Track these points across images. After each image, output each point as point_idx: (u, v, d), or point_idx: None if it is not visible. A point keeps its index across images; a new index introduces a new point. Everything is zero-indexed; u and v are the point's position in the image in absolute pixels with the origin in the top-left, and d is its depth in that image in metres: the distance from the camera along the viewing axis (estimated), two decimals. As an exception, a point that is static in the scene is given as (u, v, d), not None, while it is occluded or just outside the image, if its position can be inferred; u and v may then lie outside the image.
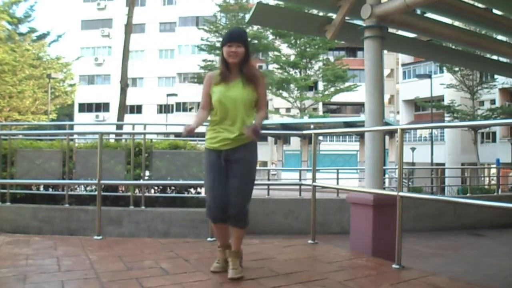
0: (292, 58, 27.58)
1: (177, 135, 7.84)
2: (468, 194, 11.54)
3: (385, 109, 14.87)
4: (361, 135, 17.85)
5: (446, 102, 24.72)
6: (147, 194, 6.25)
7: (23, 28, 27.45)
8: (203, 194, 6.57)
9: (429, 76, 22.54)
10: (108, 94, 37.24)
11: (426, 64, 29.29)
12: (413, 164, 25.68)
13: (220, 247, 2.87)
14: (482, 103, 25.94)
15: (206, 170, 2.79)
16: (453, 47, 6.94)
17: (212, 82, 2.77)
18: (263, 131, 2.85)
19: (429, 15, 6.71)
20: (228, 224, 2.76)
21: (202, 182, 5.94)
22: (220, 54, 2.80)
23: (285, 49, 28.50)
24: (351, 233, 3.92)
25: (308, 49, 27.00)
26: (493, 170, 23.33)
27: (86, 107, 39.93)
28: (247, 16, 5.80)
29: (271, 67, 31.15)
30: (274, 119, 28.88)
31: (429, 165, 22.13)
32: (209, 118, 2.84)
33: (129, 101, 15.31)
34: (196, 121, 2.71)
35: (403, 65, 33.13)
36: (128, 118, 26.02)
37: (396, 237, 3.07)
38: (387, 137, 17.95)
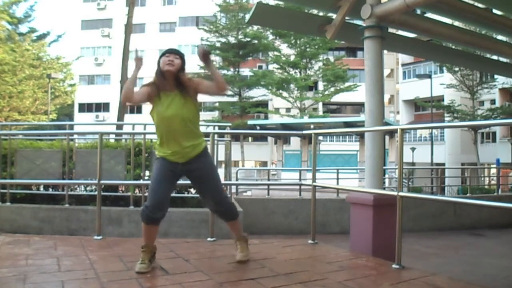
0: (292, 58, 27.57)
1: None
2: (468, 194, 11.54)
3: (385, 109, 14.89)
4: (361, 135, 17.85)
5: (446, 102, 24.71)
6: (147, 194, 6.24)
7: (23, 28, 27.50)
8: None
9: (429, 76, 22.54)
10: (108, 94, 37.22)
11: (426, 64, 29.29)
12: (413, 164, 25.67)
13: (145, 248, 2.85)
14: (482, 103, 25.94)
15: (155, 173, 2.87)
16: (453, 47, 6.94)
17: (150, 88, 2.81)
18: (263, 131, 2.93)
19: (429, 15, 6.71)
20: (158, 227, 2.89)
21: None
22: (156, 68, 2.84)
23: (285, 49, 28.49)
24: (351, 233, 3.93)
25: (308, 49, 27.00)
26: (493, 170, 23.34)
27: (86, 107, 39.90)
28: (247, 16, 5.80)
29: (271, 67, 31.15)
30: (274, 119, 28.91)
31: (429, 165, 22.14)
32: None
33: (129, 101, 15.31)
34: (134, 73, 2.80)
35: (403, 65, 33.13)
36: (128, 118, 26.01)
37: (396, 237, 3.06)
38: (387, 137, 17.97)
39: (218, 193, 3.00)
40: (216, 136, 4.41)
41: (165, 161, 2.87)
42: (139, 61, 2.82)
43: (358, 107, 34.01)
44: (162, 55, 2.83)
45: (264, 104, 32.07)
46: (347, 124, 17.71)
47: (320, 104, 32.00)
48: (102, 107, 39.40)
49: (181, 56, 2.86)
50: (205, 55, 2.79)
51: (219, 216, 3.14)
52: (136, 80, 2.84)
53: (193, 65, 32.81)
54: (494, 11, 5.70)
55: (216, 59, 30.70)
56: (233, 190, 7.67)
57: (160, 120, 2.80)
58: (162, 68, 2.79)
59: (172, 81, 2.80)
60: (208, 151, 3.08)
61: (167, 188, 2.86)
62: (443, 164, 26.73)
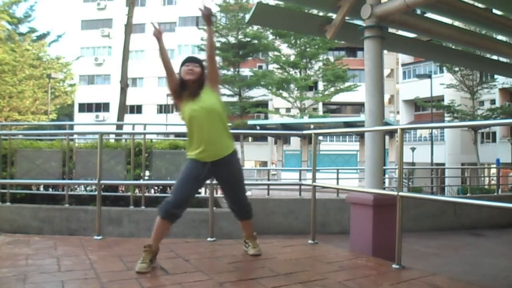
0: (292, 58, 27.57)
1: (177, 135, 7.84)
2: (468, 194, 11.54)
3: (385, 109, 14.89)
4: (361, 135, 17.85)
5: (446, 102, 24.71)
6: (147, 194, 6.25)
7: (23, 28, 27.49)
8: (203, 194, 6.57)
9: (429, 76, 22.54)
10: (108, 94, 37.22)
11: (426, 64, 29.29)
12: (413, 164, 25.68)
13: (147, 248, 2.82)
14: (482, 103, 25.94)
15: (184, 173, 2.95)
16: (453, 47, 6.94)
17: (179, 94, 2.96)
18: (263, 131, 3.02)
19: (429, 15, 6.71)
20: (170, 226, 2.97)
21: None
22: (178, 76, 2.99)
23: (285, 49, 28.49)
24: (351, 233, 3.92)
25: (308, 49, 26.99)
26: (493, 170, 23.34)
27: (86, 107, 39.90)
28: (247, 16, 5.80)
29: (271, 67, 31.14)
30: (274, 119, 28.90)
31: (429, 165, 22.13)
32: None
33: (129, 101, 15.31)
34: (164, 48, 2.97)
35: (403, 65, 33.13)
36: (128, 118, 26.02)
37: (396, 237, 3.06)
38: (387, 137, 17.96)
39: (241, 194, 3.16)
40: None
41: (194, 162, 2.95)
42: (158, 33, 2.98)
43: (358, 107, 34.01)
44: (182, 64, 2.96)
45: (264, 104, 32.07)
46: (347, 124, 17.71)
47: (320, 104, 32.00)
48: (102, 107, 39.40)
49: (200, 64, 2.98)
50: (208, 16, 2.93)
51: (236, 214, 3.25)
52: (165, 48, 3.00)
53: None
54: (494, 11, 5.70)
55: (216, 59, 30.66)
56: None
57: (191, 115, 2.89)
58: (184, 77, 2.93)
59: (194, 88, 2.92)
60: (237, 155, 3.17)
61: (192, 187, 2.97)
62: (443, 164, 26.73)
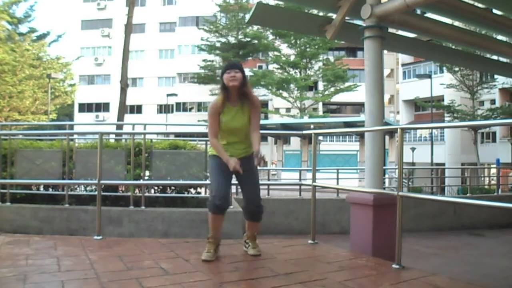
0: (292, 58, 27.58)
1: (177, 135, 7.83)
2: (468, 194, 11.54)
3: (385, 109, 14.89)
4: (361, 135, 17.84)
5: (446, 102, 24.71)
6: (147, 194, 6.24)
7: (23, 28, 27.50)
8: (203, 194, 6.57)
9: (429, 76, 22.54)
10: (108, 94, 37.23)
11: (426, 64, 29.29)
12: (413, 164, 25.67)
13: (211, 239, 3.18)
14: (482, 103, 25.93)
15: (215, 169, 3.22)
16: (453, 47, 6.94)
17: (219, 111, 3.17)
18: (263, 131, 3.14)
19: (429, 15, 6.71)
20: (223, 217, 3.19)
21: (202, 182, 5.98)
22: (220, 84, 3.20)
23: (285, 49, 28.50)
24: (351, 233, 3.92)
25: (308, 49, 27.00)
26: (493, 170, 23.34)
27: (86, 107, 39.92)
28: (247, 16, 5.80)
29: (271, 67, 31.15)
30: (274, 119, 28.90)
31: (429, 165, 22.13)
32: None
33: (129, 101, 15.32)
34: (224, 153, 3.15)
35: (403, 65, 33.13)
36: (128, 118, 26.04)
37: (396, 237, 3.07)
38: (387, 137, 17.95)
39: (257, 190, 3.30)
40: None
41: (221, 159, 3.16)
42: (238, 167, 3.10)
43: (358, 107, 34.02)
44: (224, 72, 3.15)
45: (264, 104, 32.07)
46: (347, 124, 17.70)
47: (320, 104, 32.01)
48: (102, 107, 39.43)
49: (241, 69, 3.16)
50: (262, 161, 3.22)
51: (247, 214, 3.33)
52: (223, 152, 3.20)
53: (193, 65, 32.95)
54: (494, 11, 5.69)
55: (216, 59, 30.73)
56: (233, 190, 7.65)
57: (226, 129, 3.19)
58: (227, 84, 3.11)
59: (236, 94, 3.14)
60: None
61: (229, 181, 3.20)
62: (443, 164, 26.73)
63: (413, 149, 26.46)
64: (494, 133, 27.26)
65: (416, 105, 30.72)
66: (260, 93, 30.26)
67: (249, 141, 3.23)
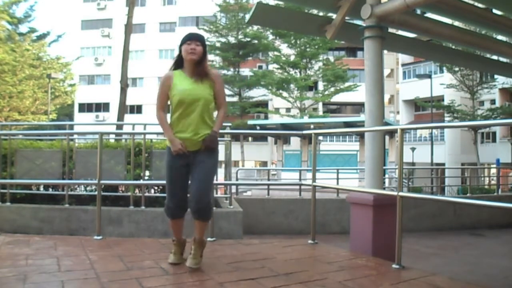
0: (292, 58, 27.56)
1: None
2: (468, 194, 11.54)
3: (385, 109, 14.89)
4: (361, 135, 17.85)
5: (446, 102, 24.71)
6: (147, 194, 6.24)
7: (23, 28, 27.48)
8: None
9: (429, 76, 22.54)
10: (108, 94, 37.21)
11: (426, 64, 29.29)
12: (413, 164, 25.67)
13: (175, 241, 3.03)
14: (482, 103, 25.93)
15: (168, 167, 2.93)
16: (453, 47, 6.94)
17: (170, 82, 2.84)
18: (263, 131, 3.00)
19: (429, 15, 6.71)
20: (183, 219, 3.02)
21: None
22: (178, 55, 2.90)
23: (285, 49, 28.48)
24: (351, 233, 3.92)
25: (308, 49, 26.99)
26: (493, 170, 23.34)
27: (86, 107, 39.90)
28: (247, 16, 5.80)
29: (271, 67, 31.14)
30: (274, 119, 28.90)
31: (429, 165, 22.13)
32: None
33: (129, 101, 15.30)
34: (169, 129, 2.88)
35: (403, 65, 33.12)
36: (128, 118, 26.00)
37: (396, 237, 3.07)
38: (387, 137, 17.96)
39: (202, 185, 2.79)
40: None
41: (178, 155, 2.84)
42: (183, 148, 2.85)
43: (358, 107, 34.01)
44: (183, 42, 2.84)
45: (264, 104, 32.07)
46: (347, 124, 17.70)
47: (320, 104, 32.00)
48: (102, 107, 39.40)
49: (202, 42, 2.86)
50: (213, 144, 2.90)
51: (195, 213, 2.85)
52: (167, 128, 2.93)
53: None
54: (494, 11, 5.70)
55: (216, 59, 30.71)
56: (233, 190, 7.67)
57: (181, 98, 2.78)
58: (185, 57, 2.82)
59: (192, 70, 2.84)
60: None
61: (185, 180, 2.89)
62: (443, 164, 26.73)
63: (413, 149, 26.45)
64: (494, 133, 27.26)
65: (416, 105, 30.73)
66: (260, 93, 30.29)
67: (206, 126, 2.84)
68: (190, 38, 2.85)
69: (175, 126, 2.87)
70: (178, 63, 2.91)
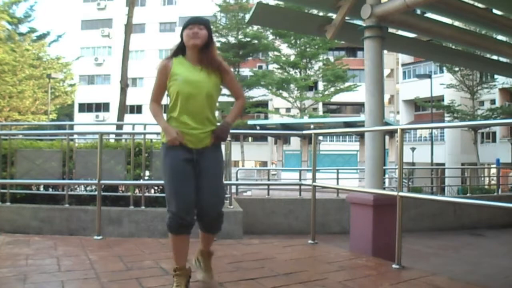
0: (292, 58, 27.58)
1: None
2: (468, 194, 11.53)
3: (385, 109, 14.88)
4: (361, 135, 17.85)
5: (446, 102, 24.72)
6: (147, 194, 6.24)
7: (23, 28, 27.47)
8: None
9: (429, 76, 22.54)
10: (108, 94, 37.22)
11: (426, 64, 29.30)
12: (413, 164, 25.67)
13: (179, 271, 2.34)
14: (482, 103, 25.94)
15: (169, 169, 2.37)
16: (453, 47, 6.94)
17: (168, 71, 2.39)
18: (263, 131, 2.82)
19: (429, 15, 6.71)
20: (189, 237, 2.39)
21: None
22: (179, 42, 2.47)
23: (285, 49, 28.49)
24: (351, 233, 3.92)
25: (308, 49, 27.00)
26: (493, 170, 23.33)
27: (86, 107, 39.92)
28: (247, 16, 5.80)
29: (271, 67, 31.15)
30: (274, 119, 28.90)
31: (429, 165, 22.13)
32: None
33: (129, 101, 15.30)
34: (164, 119, 2.45)
35: (403, 65, 33.13)
36: (128, 118, 25.98)
37: (396, 237, 3.06)
38: (387, 137, 17.96)
39: (214, 192, 2.40)
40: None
41: (178, 149, 2.35)
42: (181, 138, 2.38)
43: (358, 107, 34.02)
44: (185, 27, 2.41)
45: (264, 104, 32.07)
46: (347, 124, 17.71)
47: (320, 104, 32.01)
48: (102, 107, 39.42)
49: (206, 25, 2.42)
50: (224, 138, 2.53)
51: (199, 223, 2.46)
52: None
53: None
54: (494, 11, 5.70)
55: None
56: (233, 190, 7.67)
57: (182, 87, 2.34)
58: (187, 43, 2.38)
59: (196, 57, 2.40)
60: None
61: (190, 182, 2.33)
62: (443, 164, 26.72)
63: (413, 149, 26.46)
64: (494, 133, 27.26)
65: (416, 105, 30.73)
66: (260, 93, 30.29)
67: (209, 122, 2.42)
68: (192, 21, 2.40)
69: (174, 121, 2.40)
70: (178, 53, 2.46)
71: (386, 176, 12.89)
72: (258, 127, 21.42)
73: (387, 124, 10.26)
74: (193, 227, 2.36)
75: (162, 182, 6.36)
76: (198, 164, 2.38)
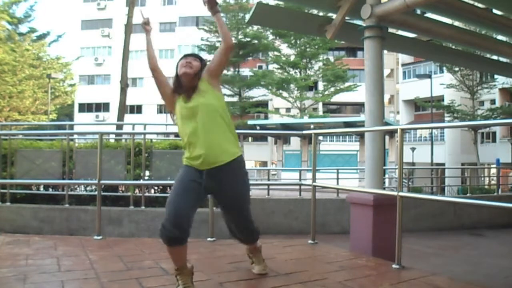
0: (292, 58, 27.57)
1: (177, 135, 7.83)
2: (468, 194, 11.54)
3: (385, 109, 14.88)
4: (361, 135, 17.84)
5: (446, 102, 24.71)
6: (147, 194, 6.25)
7: (23, 28, 27.46)
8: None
9: (429, 76, 22.54)
10: (108, 94, 37.21)
11: (426, 64, 29.29)
12: (413, 164, 25.67)
13: (179, 270, 2.34)
14: (482, 103, 25.93)
15: (177, 181, 2.41)
16: (453, 47, 6.94)
17: (175, 98, 2.51)
18: (263, 131, 2.86)
19: (429, 15, 6.71)
20: (185, 245, 2.34)
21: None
22: (175, 76, 2.55)
23: (285, 49, 28.49)
24: (351, 233, 3.92)
25: (308, 49, 27.00)
26: (493, 170, 23.33)
27: (86, 107, 39.90)
28: (247, 16, 5.80)
29: (271, 67, 31.14)
30: (274, 119, 28.90)
31: (429, 165, 22.13)
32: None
33: (129, 101, 15.30)
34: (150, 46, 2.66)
35: (403, 65, 33.13)
36: (128, 118, 26.01)
37: (396, 237, 3.06)
38: (387, 137, 17.96)
39: (243, 218, 2.54)
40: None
41: (189, 168, 2.42)
42: (146, 25, 2.69)
43: (358, 107, 34.01)
44: (180, 59, 2.55)
45: (264, 104, 32.07)
46: (347, 124, 17.70)
47: (320, 104, 32.01)
48: (102, 107, 39.40)
49: (200, 59, 2.57)
50: (211, 2, 2.62)
51: (238, 239, 2.76)
52: (151, 43, 2.68)
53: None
54: (494, 11, 5.70)
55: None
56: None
57: (183, 114, 2.41)
58: (179, 71, 2.46)
59: (190, 86, 2.45)
60: (245, 164, 2.56)
61: (188, 200, 2.31)
62: (443, 164, 26.72)
63: (413, 149, 26.46)
64: (494, 133, 27.26)
65: (416, 105, 30.72)
66: (260, 93, 30.28)
67: (226, 140, 2.42)
68: (188, 55, 2.60)
69: (184, 147, 2.49)
70: (176, 87, 2.52)
71: (386, 176, 12.89)
72: (258, 127, 21.42)
73: (387, 124, 10.26)
74: (186, 240, 2.31)
75: (162, 182, 6.38)
76: (215, 184, 2.40)
